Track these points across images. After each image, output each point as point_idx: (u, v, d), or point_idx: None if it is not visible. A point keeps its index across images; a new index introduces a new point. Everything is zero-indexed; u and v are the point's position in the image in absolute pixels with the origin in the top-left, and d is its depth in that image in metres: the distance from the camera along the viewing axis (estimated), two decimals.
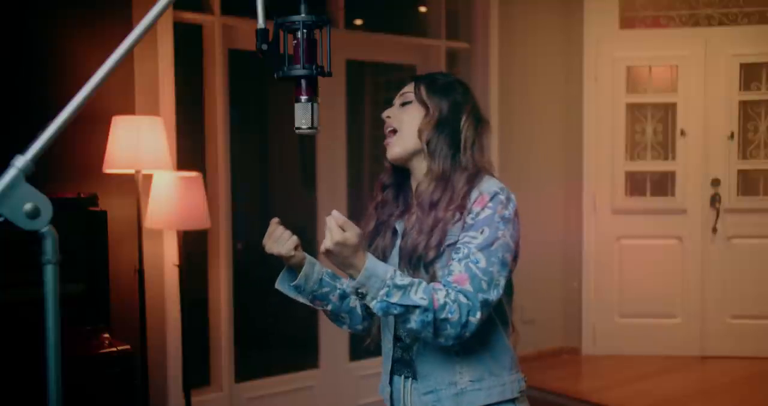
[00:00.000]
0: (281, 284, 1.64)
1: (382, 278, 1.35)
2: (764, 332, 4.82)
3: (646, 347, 4.91)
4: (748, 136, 4.93)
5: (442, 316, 1.36)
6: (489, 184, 1.49)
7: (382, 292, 1.35)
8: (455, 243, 1.46)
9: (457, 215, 1.47)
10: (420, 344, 1.53)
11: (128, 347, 2.68)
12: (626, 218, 4.99)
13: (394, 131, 1.58)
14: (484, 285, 1.40)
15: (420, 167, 1.58)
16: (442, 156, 1.53)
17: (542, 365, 4.67)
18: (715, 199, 4.88)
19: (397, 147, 1.57)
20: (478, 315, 1.38)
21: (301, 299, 1.63)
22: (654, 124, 5.03)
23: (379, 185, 1.67)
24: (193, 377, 3.30)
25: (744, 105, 4.90)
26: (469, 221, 1.46)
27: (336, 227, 1.35)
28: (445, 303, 1.36)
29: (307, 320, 4.03)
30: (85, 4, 3.10)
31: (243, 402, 3.70)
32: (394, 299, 1.34)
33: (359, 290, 1.37)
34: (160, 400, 3.32)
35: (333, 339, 4.00)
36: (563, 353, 5.00)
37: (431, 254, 1.47)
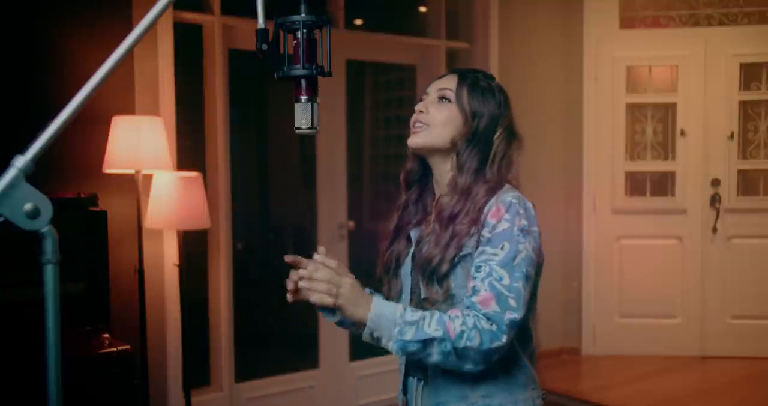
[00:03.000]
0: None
1: (392, 318, 1.33)
2: (764, 332, 4.82)
3: (646, 347, 4.91)
4: (748, 136, 4.93)
5: (462, 344, 1.32)
6: (505, 195, 1.44)
7: (395, 331, 1.32)
8: (469, 255, 1.43)
9: (473, 229, 1.42)
10: None
11: (128, 347, 2.68)
12: (626, 218, 4.98)
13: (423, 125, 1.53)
14: (512, 302, 1.35)
15: (442, 167, 1.55)
16: (470, 170, 1.50)
17: (542, 365, 4.61)
18: (715, 200, 4.88)
19: (422, 138, 1.52)
20: (504, 338, 1.34)
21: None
22: (654, 124, 5.03)
23: (404, 181, 1.63)
24: (193, 377, 3.30)
25: (744, 105, 4.90)
26: (486, 234, 1.41)
27: (326, 281, 1.33)
28: (462, 331, 1.32)
29: (307, 320, 4.03)
30: (85, 4, 3.10)
31: (243, 402, 3.70)
32: (409, 336, 1.32)
33: (374, 335, 1.35)
34: (160, 400, 3.32)
35: (333, 339, 4.00)
36: (563, 353, 4.99)
37: (445, 268, 1.43)
